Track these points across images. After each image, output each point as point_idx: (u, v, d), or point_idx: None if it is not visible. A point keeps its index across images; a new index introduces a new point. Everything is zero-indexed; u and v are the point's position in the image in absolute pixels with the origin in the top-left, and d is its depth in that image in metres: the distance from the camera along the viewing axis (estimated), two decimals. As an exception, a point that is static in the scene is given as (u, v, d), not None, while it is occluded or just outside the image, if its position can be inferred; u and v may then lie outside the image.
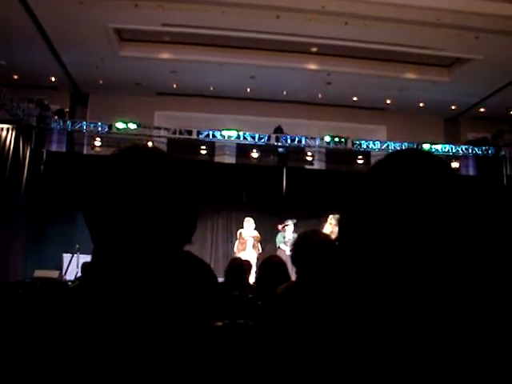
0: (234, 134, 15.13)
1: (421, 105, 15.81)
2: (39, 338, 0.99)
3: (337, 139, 15.27)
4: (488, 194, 13.58)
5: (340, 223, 1.08)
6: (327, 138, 15.28)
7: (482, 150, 15.98)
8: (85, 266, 7.51)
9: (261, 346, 1.02)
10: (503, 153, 16.06)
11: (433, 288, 0.96)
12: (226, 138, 15.29)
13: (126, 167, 1.13)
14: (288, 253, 11.71)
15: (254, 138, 15.23)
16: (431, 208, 0.96)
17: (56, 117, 14.79)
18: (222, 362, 0.99)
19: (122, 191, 1.09)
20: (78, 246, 11.47)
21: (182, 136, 15.01)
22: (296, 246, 2.86)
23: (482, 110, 16.03)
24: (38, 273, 10.82)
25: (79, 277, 9.24)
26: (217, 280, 2.81)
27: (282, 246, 12.35)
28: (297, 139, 15.39)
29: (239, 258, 6.33)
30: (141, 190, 1.09)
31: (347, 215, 1.06)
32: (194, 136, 15.08)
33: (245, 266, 5.50)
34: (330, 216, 11.46)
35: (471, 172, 16.65)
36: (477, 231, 0.99)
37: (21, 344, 0.99)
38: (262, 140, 15.27)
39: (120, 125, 14.64)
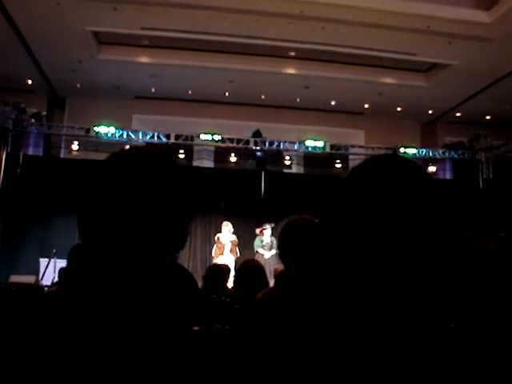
0: (212, 137, 15.09)
1: (398, 109, 15.96)
2: (14, 344, 0.98)
3: (319, 144, 15.30)
4: (464, 197, 13.72)
5: (319, 226, 1.09)
6: (309, 142, 15.30)
7: (458, 154, 16.14)
8: (62, 271, 7.44)
9: (238, 352, 1.02)
10: (479, 157, 16.24)
11: (408, 292, 0.97)
12: (204, 141, 15.25)
13: (125, 171, 1.11)
14: (266, 257, 11.71)
15: (232, 141, 15.21)
16: (405, 211, 0.98)
17: (33, 120, 14.63)
18: (197, 366, 0.99)
19: (118, 195, 1.07)
20: (54, 250, 11.33)
21: (160, 140, 14.94)
22: (282, 235, 2.83)
23: (458, 114, 16.22)
24: (14, 278, 10.67)
25: (56, 282, 9.16)
26: (197, 285, 2.79)
27: (260, 250, 12.34)
28: (275, 143, 15.41)
29: (218, 264, 6.32)
30: (138, 194, 1.08)
31: (326, 219, 1.07)
32: (172, 140, 15.01)
33: (223, 270, 5.49)
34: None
35: (448, 176, 16.81)
36: (446, 232, 1.01)
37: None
38: (241, 144, 15.27)
39: (98, 128, 14.52)
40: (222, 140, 15.19)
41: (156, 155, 1.16)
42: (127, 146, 13.87)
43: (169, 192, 1.12)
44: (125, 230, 1.06)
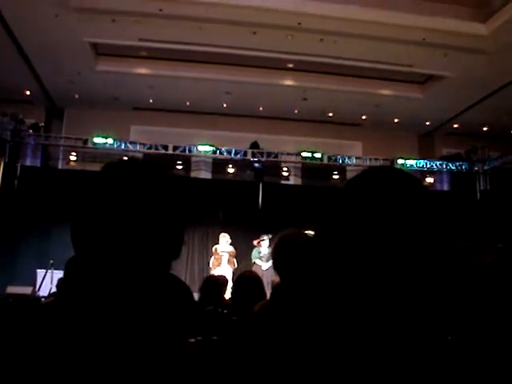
0: (210, 149, 15.12)
1: (396, 121, 15.99)
2: (10, 355, 0.98)
3: (312, 155, 15.33)
4: (462, 208, 13.74)
5: (315, 238, 1.09)
6: (303, 154, 15.33)
7: (455, 166, 16.16)
8: (60, 281, 7.41)
9: (234, 364, 1.02)
10: (476, 168, 16.27)
11: (406, 303, 0.97)
12: (202, 153, 15.27)
13: (117, 182, 1.11)
14: (264, 268, 11.67)
15: (230, 153, 15.24)
16: (401, 223, 0.98)
17: (31, 131, 14.64)
18: (193, 378, 0.99)
19: (111, 206, 1.07)
20: (51, 261, 11.31)
21: (158, 151, 14.95)
22: (277, 249, 2.83)
23: (455, 126, 16.26)
24: (11, 289, 10.64)
25: (53, 293, 9.13)
26: (192, 296, 2.78)
27: (258, 262, 12.29)
28: (273, 154, 15.43)
29: (214, 275, 6.31)
30: (130, 205, 1.08)
31: (323, 230, 1.07)
32: (170, 151, 15.03)
33: (220, 282, 5.47)
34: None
35: (445, 187, 16.83)
36: (443, 244, 1.01)
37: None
38: (238, 155, 15.29)
39: (96, 139, 14.54)
40: (220, 151, 15.21)
41: (146, 166, 1.16)
42: (124, 158, 13.95)
43: (160, 202, 1.12)
44: (118, 241, 1.06)
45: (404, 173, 1.07)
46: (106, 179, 1.13)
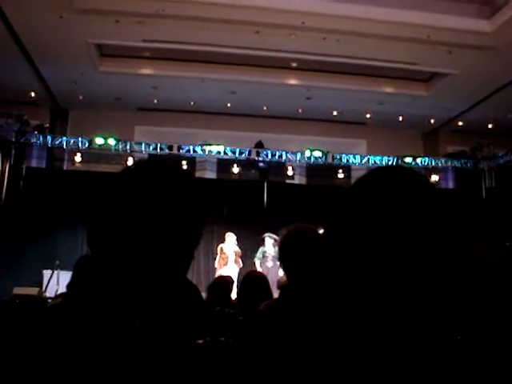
0: (214, 149, 15.11)
1: (400, 119, 15.94)
2: (17, 356, 0.98)
3: (317, 154, 15.31)
4: (467, 206, 13.70)
5: (324, 237, 1.08)
6: (308, 153, 15.31)
7: (460, 164, 16.11)
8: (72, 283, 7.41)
9: (241, 365, 1.02)
10: (482, 166, 16.21)
11: (413, 302, 0.96)
12: (206, 153, 15.26)
13: (139, 184, 1.10)
14: (259, 269, 11.55)
15: (234, 153, 15.22)
16: (409, 221, 0.98)
17: (36, 132, 14.66)
18: (201, 380, 0.98)
19: (131, 208, 1.07)
20: (57, 262, 11.34)
21: (163, 151, 14.95)
22: (283, 242, 2.80)
23: (460, 123, 16.21)
24: (18, 290, 10.64)
25: (60, 294, 9.14)
26: (201, 297, 2.78)
27: (257, 263, 12.24)
28: (277, 154, 15.40)
29: (223, 276, 6.31)
30: (150, 208, 1.07)
31: (332, 229, 1.06)
32: (175, 151, 15.02)
33: (228, 282, 5.48)
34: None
35: (450, 185, 16.77)
36: (451, 242, 1.01)
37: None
38: (243, 155, 15.27)
39: (100, 140, 14.54)
40: (225, 151, 15.20)
41: (172, 170, 1.15)
42: (142, 159, 13.87)
43: (184, 207, 1.11)
44: (135, 242, 1.06)
45: (412, 171, 1.07)
46: (129, 181, 1.12)
